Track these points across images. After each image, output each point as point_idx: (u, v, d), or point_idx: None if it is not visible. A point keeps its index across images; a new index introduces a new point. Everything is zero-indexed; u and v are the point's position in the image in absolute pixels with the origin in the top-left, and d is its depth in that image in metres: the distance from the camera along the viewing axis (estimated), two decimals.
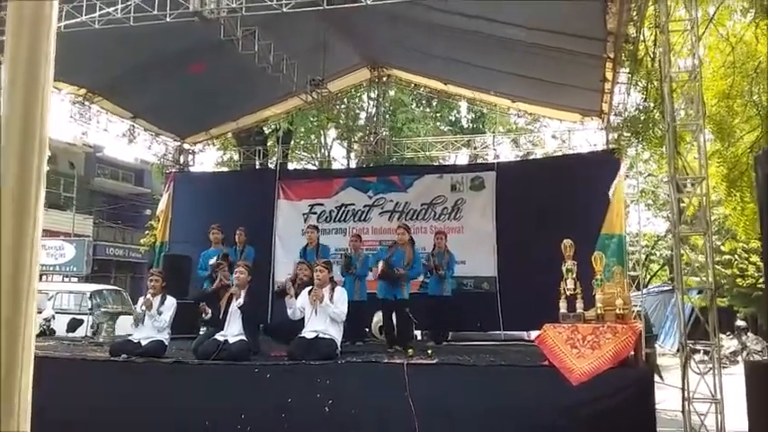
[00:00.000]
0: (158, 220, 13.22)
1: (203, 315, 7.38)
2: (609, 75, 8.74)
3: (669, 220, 21.16)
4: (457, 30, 8.63)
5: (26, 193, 1.51)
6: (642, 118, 8.15)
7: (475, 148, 13.91)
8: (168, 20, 6.67)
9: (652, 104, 7.76)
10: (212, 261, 8.61)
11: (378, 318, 9.25)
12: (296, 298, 6.82)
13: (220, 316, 6.98)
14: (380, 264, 8.08)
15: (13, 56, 1.53)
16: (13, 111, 1.52)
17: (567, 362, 5.49)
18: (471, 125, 21.42)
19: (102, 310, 10.66)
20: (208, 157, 20.28)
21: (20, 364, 1.52)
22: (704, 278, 6.17)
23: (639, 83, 8.09)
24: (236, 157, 16.00)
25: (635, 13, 6.81)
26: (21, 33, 1.54)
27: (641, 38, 7.16)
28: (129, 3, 6.56)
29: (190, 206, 12.53)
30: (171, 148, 13.29)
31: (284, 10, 6.45)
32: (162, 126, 12.51)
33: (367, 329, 9.34)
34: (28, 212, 1.51)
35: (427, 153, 14.04)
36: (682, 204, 6.36)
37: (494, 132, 15.04)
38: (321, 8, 6.51)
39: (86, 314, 11.61)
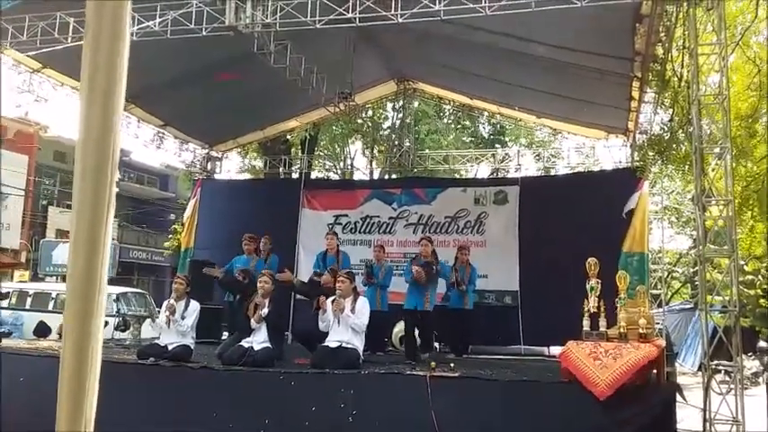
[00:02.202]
0: (184, 226, 13.41)
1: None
2: (635, 94, 8.77)
3: (692, 238, 21.02)
4: (484, 46, 8.71)
5: (99, 216, 1.62)
6: (667, 137, 8.16)
7: (500, 161, 13.94)
8: (204, 33, 6.86)
9: (677, 124, 7.77)
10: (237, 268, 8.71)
11: (398, 328, 9.29)
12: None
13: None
14: (414, 269, 8.15)
15: (91, 79, 1.66)
16: (89, 133, 1.65)
17: (591, 375, 5.47)
18: (491, 137, 21.50)
19: (129, 312, 10.82)
20: (232, 164, 20.45)
21: (89, 368, 1.63)
22: (727, 297, 6.17)
23: (665, 103, 8.10)
24: (259, 164, 16.22)
25: (663, 35, 6.84)
26: (98, 63, 1.66)
27: (669, 58, 7.19)
28: (166, 17, 6.75)
29: (215, 213, 12.70)
30: (198, 154, 13.51)
31: (318, 26, 6.59)
32: (191, 134, 12.72)
33: (387, 339, 9.38)
34: (101, 229, 1.62)
35: (450, 166, 14.09)
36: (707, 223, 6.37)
37: (518, 146, 15.08)
38: (353, 25, 6.64)
39: (112, 316, 11.77)
